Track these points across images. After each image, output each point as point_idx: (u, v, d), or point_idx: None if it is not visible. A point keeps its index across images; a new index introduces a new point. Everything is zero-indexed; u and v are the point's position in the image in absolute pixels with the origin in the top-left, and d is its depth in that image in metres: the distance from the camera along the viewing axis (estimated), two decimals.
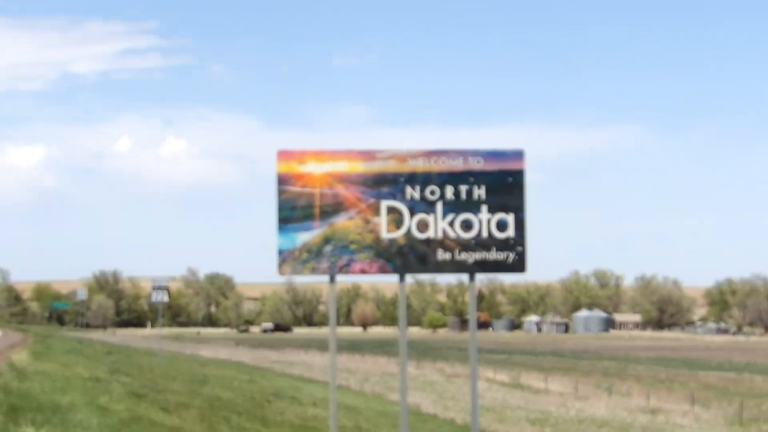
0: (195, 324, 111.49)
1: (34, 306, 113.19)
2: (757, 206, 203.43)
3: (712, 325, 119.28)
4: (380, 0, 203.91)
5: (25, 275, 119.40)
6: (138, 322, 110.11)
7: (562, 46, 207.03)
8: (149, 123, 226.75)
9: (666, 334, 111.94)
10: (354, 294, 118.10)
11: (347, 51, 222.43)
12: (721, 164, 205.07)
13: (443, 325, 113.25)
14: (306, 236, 6.14)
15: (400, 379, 6.76)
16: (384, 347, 59.08)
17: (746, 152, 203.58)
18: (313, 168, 6.21)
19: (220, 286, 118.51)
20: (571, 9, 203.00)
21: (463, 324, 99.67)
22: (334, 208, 6.17)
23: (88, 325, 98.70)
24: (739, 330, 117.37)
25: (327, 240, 6.14)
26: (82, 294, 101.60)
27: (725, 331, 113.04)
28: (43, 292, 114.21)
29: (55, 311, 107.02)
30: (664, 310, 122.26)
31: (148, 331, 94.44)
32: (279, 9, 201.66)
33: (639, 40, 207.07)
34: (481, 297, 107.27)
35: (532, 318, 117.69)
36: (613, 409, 24.74)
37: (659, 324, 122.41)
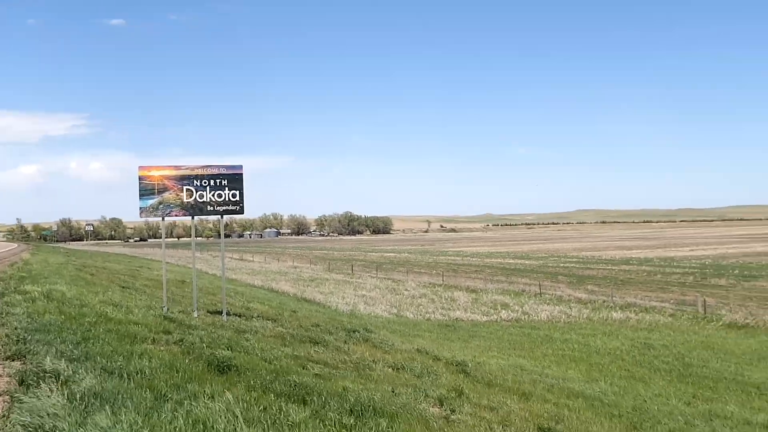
0: (103, 238, 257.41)
1: (33, 234, 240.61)
2: None
3: (317, 232, 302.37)
4: None
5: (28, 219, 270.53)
6: (79, 238, 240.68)
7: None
8: None
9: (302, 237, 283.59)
10: (173, 224, 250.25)
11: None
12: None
13: (211, 236, 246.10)
14: (152, 201, 15.01)
15: (192, 258, 16.14)
16: (188, 246, 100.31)
17: None
18: (154, 173, 15.04)
19: (117, 224, 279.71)
20: None
21: (218, 236, 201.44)
22: (163, 189, 15.09)
23: (57, 241, 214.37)
24: (328, 234, 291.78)
25: (160, 202, 15.07)
26: (55, 228, 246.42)
27: (323, 235, 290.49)
28: (36, 228, 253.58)
29: (43, 236, 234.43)
30: (300, 227, 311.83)
31: (83, 243, 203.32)
32: None
33: None
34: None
35: (247, 231, 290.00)
36: (277, 266, 64.15)
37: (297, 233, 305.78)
